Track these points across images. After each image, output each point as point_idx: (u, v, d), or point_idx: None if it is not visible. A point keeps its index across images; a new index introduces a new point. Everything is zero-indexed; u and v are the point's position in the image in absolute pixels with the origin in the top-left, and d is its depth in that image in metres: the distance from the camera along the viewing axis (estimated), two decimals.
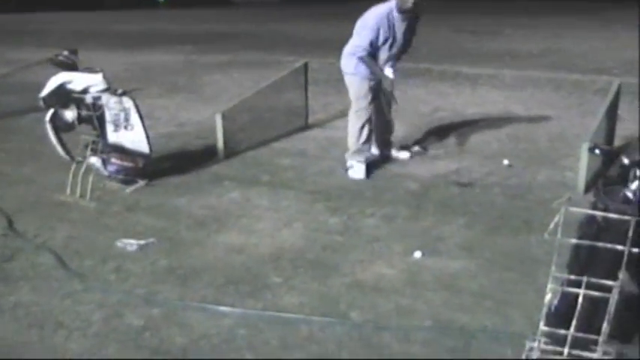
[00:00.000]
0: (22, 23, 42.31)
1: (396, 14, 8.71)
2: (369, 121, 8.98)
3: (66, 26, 39.50)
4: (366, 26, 8.70)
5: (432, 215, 7.42)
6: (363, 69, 8.82)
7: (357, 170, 8.84)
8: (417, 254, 6.39)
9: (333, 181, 8.65)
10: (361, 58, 8.76)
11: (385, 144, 9.57)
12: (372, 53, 8.76)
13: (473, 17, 39.05)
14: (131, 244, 6.68)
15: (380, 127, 9.36)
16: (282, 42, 23.56)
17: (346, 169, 8.92)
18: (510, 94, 14.64)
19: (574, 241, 4.33)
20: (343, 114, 11.66)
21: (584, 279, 4.25)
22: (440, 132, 11.10)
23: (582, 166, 7.98)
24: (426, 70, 17.52)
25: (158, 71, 18.84)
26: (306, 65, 11.43)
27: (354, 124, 8.96)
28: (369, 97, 8.94)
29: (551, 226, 4.16)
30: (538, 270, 5.81)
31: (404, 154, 9.62)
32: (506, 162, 9.25)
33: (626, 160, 4.55)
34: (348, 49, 8.99)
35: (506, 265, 6.18)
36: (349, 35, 8.81)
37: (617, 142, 9.99)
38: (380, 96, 9.15)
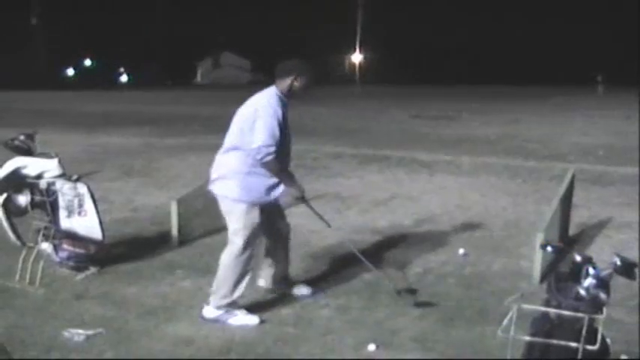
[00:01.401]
0: None
1: (282, 99, 7.01)
2: (252, 262, 7.06)
3: (25, 105, 39.42)
4: (266, 113, 6.74)
5: (386, 306, 7.32)
6: (256, 188, 6.88)
7: (246, 319, 6.93)
8: (371, 347, 6.28)
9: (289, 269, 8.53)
10: (267, 164, 6.76)
11: (284, 279, 7.77)
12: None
13: (430, 102, 39.51)
14: (79, 334, 6.50)
15: (280, 260, 7.65)
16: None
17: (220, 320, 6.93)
18: (467, 180, 14.74)
19: (527, 338, 4.29)
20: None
21: None
22: (395, 220, 11.08)
23: (537, 257, 7.96)
24: (383, 157, 17.63)
25: (115, 153, 18.81)
26: None
27: (234, 268, 6.89)
28: (260, 229, 7.07)
29: (505, 322, 4.12)
30: None
31: (305, 290, 7.72)
32: (461, 251, 9.23)
33: (578, 258, 4.54)
34: (231, 160, 6.92)
35: (460, 358, 6.09)
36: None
37: (572, 230, 10.04)
38: (277, 220, 7.46)
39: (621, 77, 63.78)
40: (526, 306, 4.20)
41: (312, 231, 9.70)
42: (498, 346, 6.07)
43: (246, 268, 6.93)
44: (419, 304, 7.37)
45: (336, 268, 8.50)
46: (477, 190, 13.68)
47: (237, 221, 6.90)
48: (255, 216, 6.92)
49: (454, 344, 6.38)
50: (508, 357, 4.20)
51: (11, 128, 20.74)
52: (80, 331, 6.57)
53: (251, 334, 6.60)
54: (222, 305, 6.84)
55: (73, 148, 18.00)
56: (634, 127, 24.76)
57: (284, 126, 6.87)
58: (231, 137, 6.97)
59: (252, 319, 6.88)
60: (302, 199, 7.25)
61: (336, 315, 7.12)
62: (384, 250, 9.38)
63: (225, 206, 7.02)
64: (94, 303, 7.46)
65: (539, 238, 7.81)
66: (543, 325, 4.35)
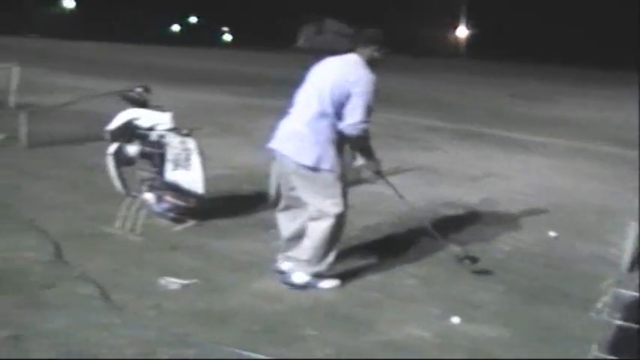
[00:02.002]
0: (93, 52, 42.98)
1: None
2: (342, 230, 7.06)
3: (132, 58, 40.02)
4: (367, 90, 6.70)
5: (471, 280, 7.44)
6: (342, 159, 6.89)
7: (332, 282, 7.08)
8: (455, 319, 6.38)
9: (376, 237, 8.72)
10: (361, 139, 6.86)
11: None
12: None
13: (529, 82, 38.98)
14: (174, 282, 6.74)
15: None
16: None
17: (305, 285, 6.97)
18: (560, 163, 14.69)
19: (619, 322, 4.35)
20: (394, 170, 11.74)
21: None
22: (488, 197, 11.13)
23: (628, 244, 7.96)
24: (478, 133, 17.61)
25: (215, 111, 19.09)
26: None
27: (327, 238, 6.83)
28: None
29: (599, 305, 4.18)
30: (574, 346, 5.80)
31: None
32: (552, 234, 9.25)
33: None
34: (322, 127, 6.74)
35: (542, 337, 6.16)
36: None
37: None
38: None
39: None
40: (622, 290, 4.26)
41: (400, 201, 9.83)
42: (581, 327, 6.15)
43: (338, 237, 6.96)
44: (477, 272, 7.55)
45: (422, 239, 8.57)
46: (570, 173, 13.63)
47: (328, 191, 6.78)
48: (343, 186, 6.88)
49: (536, 322, 6.46)
50: (598, 339, 4.27)
51: (118, 80, 21.28)
52: (175, 279, 6.80)
53: (337, 296, 6.77)
54: (312, 272, 6.93)
55: (175, 102, 18.21)
56: None
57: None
58: (319, 103, 6.72)
59: (336, 282, 7.03)
60: (379, 173, 7.30)
61: (420, 284, 7.24)
62: (474, 225, 9.45)
63: (304, 173, 6.76)
64: (189, 254, 7.69)
65: (634, 227, 7.82)
66: (636, 311, 4.40)
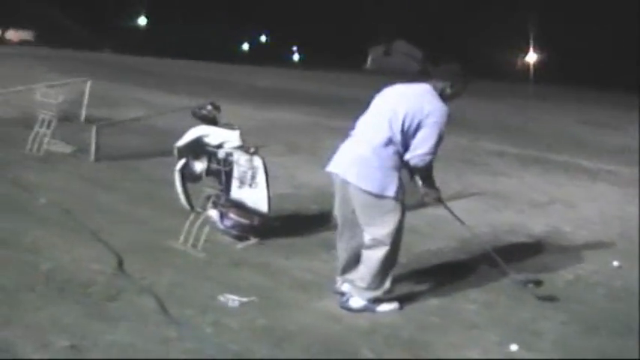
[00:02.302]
0: (163, 67, 43.49)
1: None
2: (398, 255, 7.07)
3: (201, 74, 40.40)
4: (440, 122, 6.70)
5: (532, 307, 7.38)
6: (402, 185, 6.79)
7: (390, 306, 7.05)
8: (514, 347, 6.34)
9: (437, 262, 8.72)
10: (424, 170, 6.88)
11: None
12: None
13: (598, 109, 38.62)
14: (233, 299, 6.79)
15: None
16: None
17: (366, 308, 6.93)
18: (628, 191, 14.49)
19: None
20: (458, 194, 11.74)
21: None
22: (553, 225, 11.05)
23: None
24: (545, 159, 17.49)
25: (282, 129, 19.20)
26: None
27: (384, 264, 6.84)
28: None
29: None
30: None
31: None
32: (615, 263, 9.15)
33: None
34: (388, 154, 6.70)
35: None
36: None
37: None
38: None
39: None
40: None
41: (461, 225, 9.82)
42: None
43: (394, 263, 6.96)
44: (541, 298, 7.47)
45: (484, 265, 8.52)
46: (637, 202, 13.48)
47: (386, 218, 6.73)
48: (402, 214, 6.80)
49: (595, 354, 6.41)
50: None
51: (187, 96, 21.53)
52: (234, 297, 6.84)
53: (396, 319, 6.76)
54: (369, 298, 6.90)
55: (243, 120, 18.34)
56: None
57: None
58: (388, 129, 6.66)
59: (395, 305, 7.01)
60: (439, 200, 7.30)
61: (481, 310, 7.22)
62: (536, 252, 9.38)
63: (365, 199, 6.70)
64: (249, 271, 7.76)
65: None
66: None
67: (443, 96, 6.86)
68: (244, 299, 6.82)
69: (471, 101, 33.47)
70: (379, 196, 6.64)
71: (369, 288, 6.87)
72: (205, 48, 74.81)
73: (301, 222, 9.71)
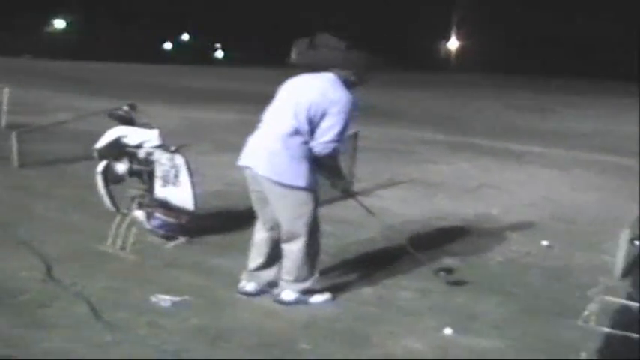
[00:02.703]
0: (85, 71, 43.05)
1: None
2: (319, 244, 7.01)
3: (125, 77, 40.10)
4: (345, 110, 6.60)
5: (467, 291, 7.42)
6: (315, 177, 6.75)
7: (323, 297, 7.04)
8: (448, 331, 6.37)
9: (371, 251, 8.69)
10: (332, 158, 6.78)
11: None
12: None
13: (525, 93, 39.11)
14: (165, 299, 6.72)
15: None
16: None
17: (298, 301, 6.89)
18: (556, 173, 14.73)
19: (606, 329, 4.37)
20: (389, 183, 11.78)
21: None
22: (482, 208, 11.16)
23: (620, 252, 7.96)
24: (474, 145, 17.65)
25: (210, 128, 19.12)
26: (356, 134, 11.55)
27: (305, 254, 6.81)
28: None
29: (586, 313, 4.20)
30: (567, 355, 5.79)
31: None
32: (545, 243, 9.26)
33: None
34: (295, 145, 6.61)
35: (538, 347, 6.14)
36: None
37: None
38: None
39: None
40: (609, 298, 4.28)
41: (396, 214, 9.85)
42: (575, 337, 6.14)
43: (316, 252, 6.92)
44: (452, 283, 7.57)
45: (419, 252, 8.60)
46: (566, 183, 13.66)
47: (301, 210, 6.68)
48: (316, 205, 6.77)
49: (532, 333, 6.43)
50: (585, 347, 4.29)
51: (110, 99, 21.31)
52: (167, 296, 6.77)
53: (333, 311, 6.74)
54: (300, 290, 6.87)
55: (170, 120, 18.29)
56: None
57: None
58: (294, 119, 6.59)
59: (328, 296, 7.00)
60: (347, 192, 7.35)
61: (416, 297, 7.22)
62: (468, 237, 9.45)
63: (280, 191, 6.63)
64: (182, 271, 7.67)
65: (625, 233, 7.83)
66: (624, 319, 4.43)
67: (348, 84, 6.75)
68: (177, 299, 6.75)
69: (400, 91, 33.76)
70: (291, 187, 6.58)
71: (297, 280, 6.83)
72: (127, 50, 74.15)
73: (232, 219, 9.63)
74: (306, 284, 6.87)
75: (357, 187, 11.42)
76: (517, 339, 6.30)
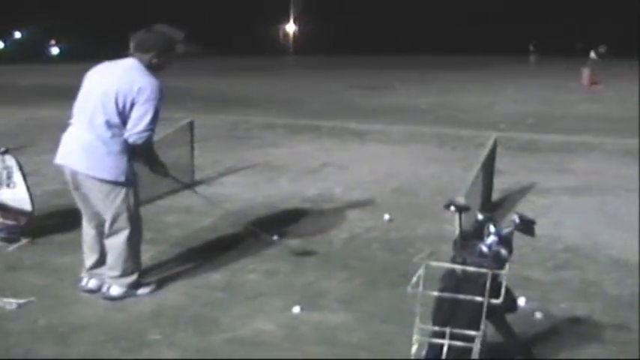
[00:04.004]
0: None
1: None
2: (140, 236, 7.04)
3: None
4: (153, 97, 6.47)
5: (314, 270, 7.56)
6: (129, 167, 6.63)
7: (148, 289, 7.02)
8: (296, 309, 6.48)
9: (215, 237, 8.73)
10: (146, 147, 6.69)
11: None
12: None
13: (364, 72, 39.62)
14: (10, 302, 6.61)
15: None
16: (172, 98, 23.63)
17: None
18: (396, 149, 15.01)
19: (436, 293, 4.54)
20: (230, 170, 11.84)
21: (448, 330, 4.46)
22: (325, 187, 11.30)
23: (456, 220, 8.18)
24: (315, 127, 17.81)
25: (49, 127, 18.67)
26: (191, 123, 11.57)
27: (129, 247, 6.79)
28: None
29: (414, 279, 4.36)
30: (413, 322, 5.96)
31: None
32: (386, 217, 9.47)
33: (480, 216, 4.82)
34: (107, 138, 6.46)
35: (384, 317, 6.33)
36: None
37: (496, 195, 10.33)
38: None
39: (553, 47, 64.58)
40: (433, 263, 4.46)
41: (242, 199, 9.92)
42: (420, 306, 6.33)
43: (138, 245, 6.96)
44: (299, 254, 7.95)
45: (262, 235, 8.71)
46: (407, 158, 13.95)
47: (123, 204, 6.63)
48: (136, 197, 6.77)
49: (377, 304, 6.63)
50: (417, 311, 4.46)
51: None
52: (12, 299, 6.67)
53: (181, 299, 6.77)
54: (127, 284, 6.84)
55: (6, 121, 17.93)
56: (564, 96, 25.30)
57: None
58: (104, 112, 6.44)
59: (153, 287, 7.01)
60: (167, 174, 7.22)
61: (264, 279, 7.32)
62: (312, 216, 9.58)
63: (100, 187, 6.58)
64: (27, 273, 7.56)
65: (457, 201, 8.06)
66: (450, 281, 4.62)
67: (153, 67, 6.63)
68: (22, 301, 6.66)
69: (238, 77, 33.73)
70: (112, 183, 6.53)
71: (124, 274, 6.80)
72: None
73: (74, 217, 9.45)
74: (133, 277, 6.86)
75: (198, 175, 11.50)
76: (364, 312, 6.48)
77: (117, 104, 6.40)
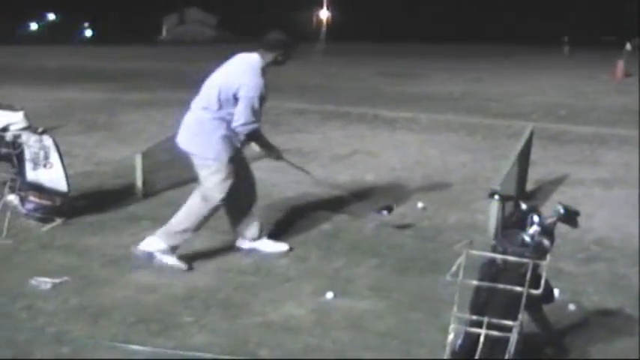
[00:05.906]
0: None
1: (265, 68, 7.27)
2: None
3: None
4: (250, 94, 7.04)
5: (344, 256, 7.56)
6: (229, 149, 7.17)
7: (178, 263, 7.21)
8: (329, 295, 6.50)
9: None
10: (252, 136, 7.35)
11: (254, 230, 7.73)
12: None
13: (395, 60, 39.45)
14: (45, 282, 6.66)
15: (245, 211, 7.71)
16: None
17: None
18: (427, 137, 14.93)
19: (475, 282, 4.51)
20: (261, 154, 11.82)
21: (485, 319, 4.43)
22: (355, 174, 11.28)
23: (492, 210, 8.15)
24: (345, 113, 17.75)
25: (78, 108, 18.80)
26: None
27: (199, 216, 7.25)
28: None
29: (454, 268, 4.33)
30: (443, 310, 5.92)
31: (282, 246, 7.76)
32: (420, 205, 9.44)
33: (524, 206, 4.78)
34: (205, 120, 7.16)
35: (413, 305, 6.33)
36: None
37: (530, 186, 10.26)
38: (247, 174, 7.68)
39: (587, 39, 64.16)
40: (474, 252, 4.42)
41: (273, 184, 9.90)
42: (450, 294, 6.29)
43: (206, 220, 7.34)
44: (399, 227, 8.28)
45: (295, 220, 8.74)
46: (437, 146, 13.88)
47: (211, 178, 7.19)
48: (227, 175, 7.19)
49: (408, 292, 6.62)
50: (455, 299, 4.43)
51: None
52: (46, 279, 6.72)
53: (212, 283, 6.81)
54: (170, 245, 7.17)
55: (36, 103, 17.95)
56: (595, 87, 25.12)
57: (265, 94, 7.16)
58: (208, 99, 7.18)
59: (182, 265, 7.16)
60: (280, 157, 7.88)
61: (294, 264, 7.35)
62: (344, 202, 9.53)
63: (206, 166, 7.20)
64: (59, 253, 7.62)
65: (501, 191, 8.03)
66: (490, 270, 4.58)
67: (276, 64, 7.37)
68: (57, 280, 6.71)
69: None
70: (203, 158, 7.18)
71: (177, 234, 7.21)
72: None
73: (106, 198, 9.56)
74: (177, 241, 7.22)
75: None
76: (394, 299, 6.48)
77: (219, 95, 7.13)
